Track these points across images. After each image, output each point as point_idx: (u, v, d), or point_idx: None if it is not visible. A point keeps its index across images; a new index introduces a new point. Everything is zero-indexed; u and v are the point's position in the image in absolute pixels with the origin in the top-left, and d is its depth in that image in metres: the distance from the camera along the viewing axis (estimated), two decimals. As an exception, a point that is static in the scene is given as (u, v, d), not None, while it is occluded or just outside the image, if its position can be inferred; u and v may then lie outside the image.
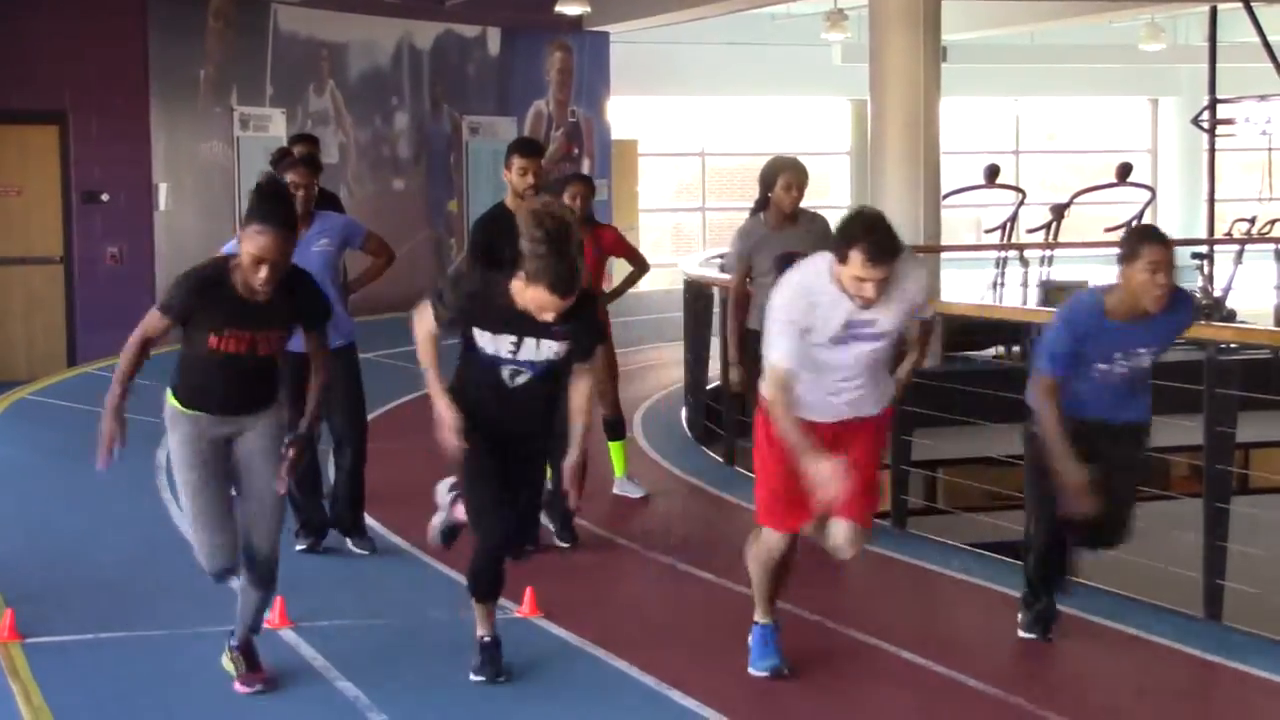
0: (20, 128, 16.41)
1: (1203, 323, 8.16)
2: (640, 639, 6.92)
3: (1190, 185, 27.16)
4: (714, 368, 11.87)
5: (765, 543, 6.23)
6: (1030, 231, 18.38)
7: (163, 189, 16.89)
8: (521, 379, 5.98)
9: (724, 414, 11.28)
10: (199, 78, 17.50)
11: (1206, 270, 17.55)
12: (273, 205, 5.71)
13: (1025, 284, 16.79)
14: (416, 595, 7.54)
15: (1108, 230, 18.71)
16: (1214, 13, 19.53)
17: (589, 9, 20.19)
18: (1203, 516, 7.33)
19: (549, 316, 5.78)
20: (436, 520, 6.56)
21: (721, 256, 14.44)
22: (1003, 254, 17.68)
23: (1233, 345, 9.68)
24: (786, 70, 25.46)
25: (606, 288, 8.94)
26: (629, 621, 7.22)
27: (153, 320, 5.88)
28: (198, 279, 5.82)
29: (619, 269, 9.36)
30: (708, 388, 12.04)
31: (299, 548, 8.09)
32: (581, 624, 6.96)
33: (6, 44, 16.11)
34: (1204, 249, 17.94)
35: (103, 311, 16.49)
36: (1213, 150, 19.59)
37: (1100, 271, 18.02)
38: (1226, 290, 17.23)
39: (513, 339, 5.90)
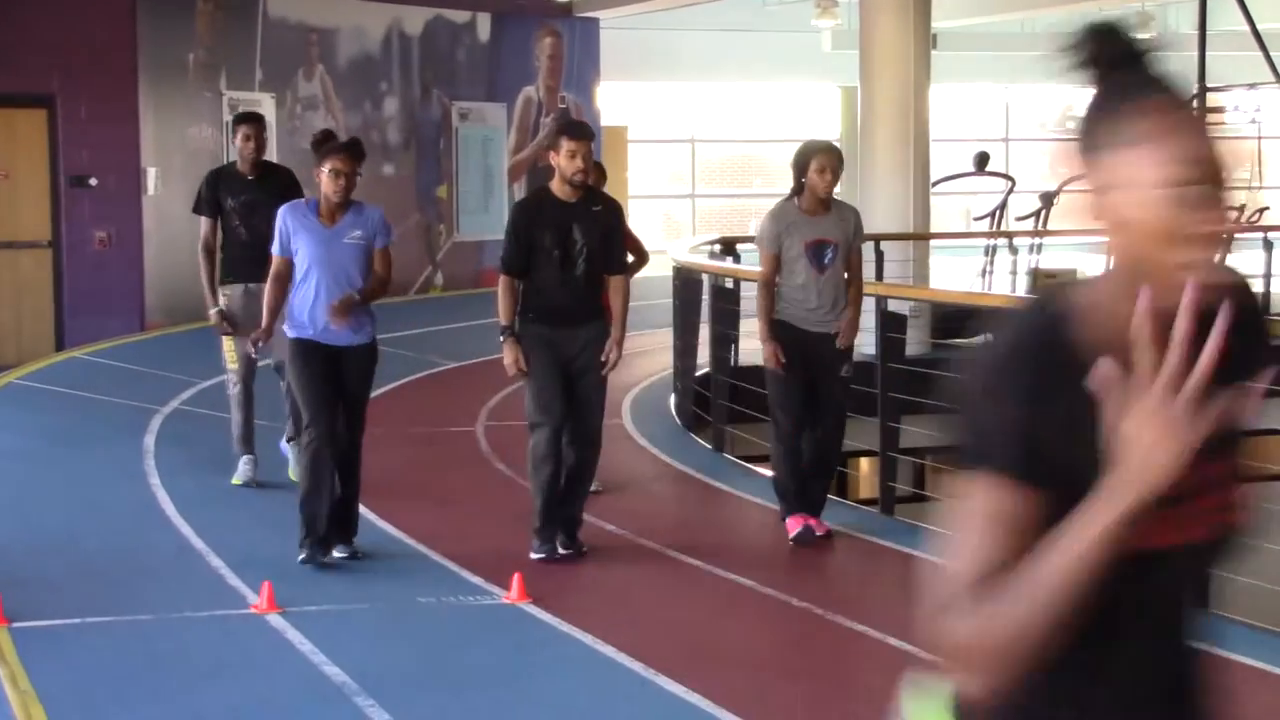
0: (8, 111, 16.37)
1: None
2: (628, 625, 6.92)
3: (1179, 173, 27.16)
4: (703, 354, 11.90)
5: None
6: (1020, 219, 18.38)
7: (151, 173, 16.86)
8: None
9: (713, 401, 11.29)
10: (188, 62, 17.47)
11: (1195, 258, 17.56)
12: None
13: (1014, 271, 16.80)
14: (403, 581, 7.54)
15: (1097, 218, 18.71)
16: (1203, 0, 19.53)
17: (579, -6, 20.19)
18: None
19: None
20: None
21: (711, 244, 14.47)
22: (992, 241, 17.70)
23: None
24: (776, 57, 25.46)
25: None
26: (617, 608, 7.23)
27: None
28: None
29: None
30: (697, 374, 12.05)
31: (300, 558, 7.65)
32: (570, 610, 6.96)
33: (-6, 27, 16.07)
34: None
35: (91, 296, 16.48)
36: (1202, 138, 19.59)
37: (1089, 259, 18.08)
38: (1215, 278, 17.24)
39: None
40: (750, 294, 11.23)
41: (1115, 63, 2.13)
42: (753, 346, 11.53)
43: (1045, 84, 28.20)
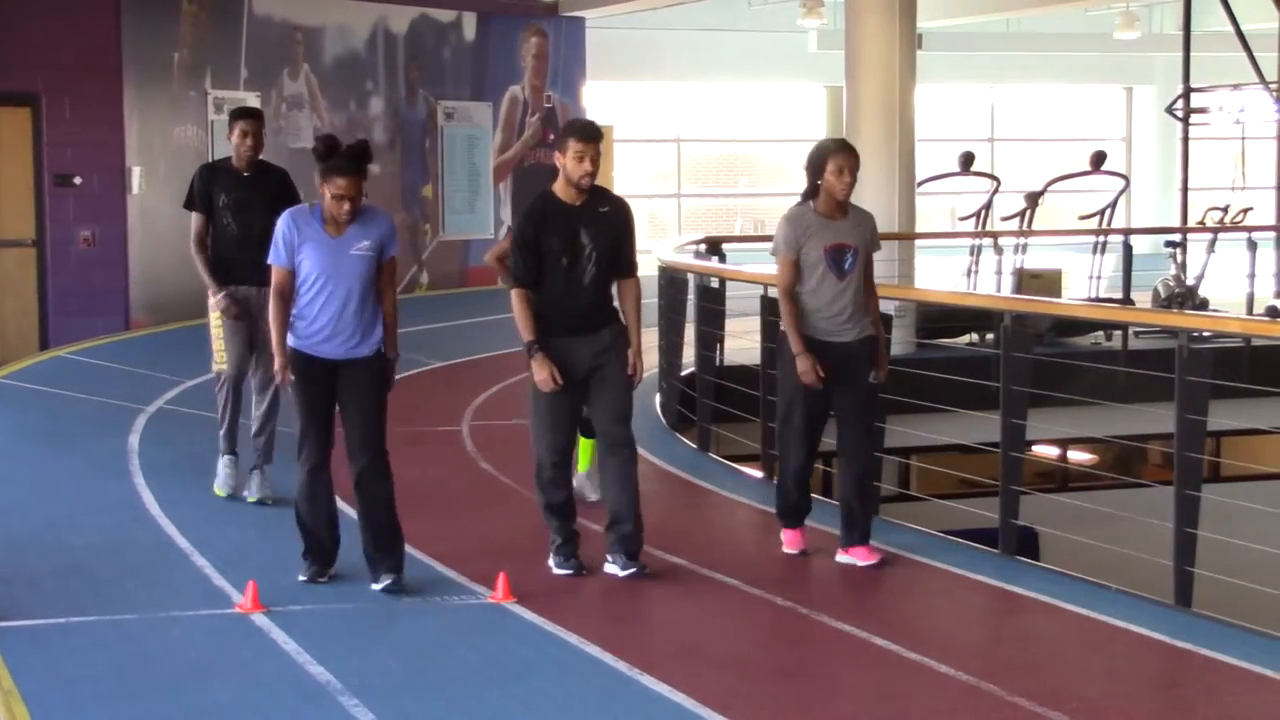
0: (-8, 110, 16.35)
1: (1176, 311, 8.19)
2: (613, 624, 6.93)
3: (1164, 174, 27.27)
4: (687, 354, 11.90)
5: None
6: (1005, 219, 18.39)
7: (136, 173, 16.83)
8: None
9: (698, 400, 11.29)
10: (173, 61, 17.44)
11: (1180, 258, 17.59)
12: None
13: (999, 271, 16.82)
14: (389, 580, 7.52)
15: (1082, 218, 18.76)
16: (1188, 1, 19.57)
17: (565, -6, 20.20)
18: (1174, 504, 7.35)
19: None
20: None
21: (696, 243, 14.46)
22: (977, 241, 17.72)
23: (1205, 333, 9.72)
24: (762, 57, 25.48)
25: None
26: (601, 607, 7.23)
27: None
28: None
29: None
30: (682, 374, 12.05)
31: (301, 578, 7.41)
32: (555, 610, 6.96)
33: (-21, 26, 16.03)
34: (1177, 237, 17.99)
35: (75, 295, 16.45)
36: (1186, 139, 19.62)
37: (1074, 259, 18.12)
38: (1199, 279, 17.28)
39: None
40: (736, 294, 11.27)
41: None
42: (737, 346, 11.58)
43: (1030, 84, 28.28)
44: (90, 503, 9.20)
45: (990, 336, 14.82)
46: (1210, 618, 7.04)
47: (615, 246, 7.49)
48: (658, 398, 12.38)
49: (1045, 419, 10.61)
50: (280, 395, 8.77)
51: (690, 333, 11.77)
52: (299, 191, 9.09)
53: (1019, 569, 7.91)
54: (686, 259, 12.65)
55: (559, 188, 7.41)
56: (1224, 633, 6.78)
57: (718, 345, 11.41)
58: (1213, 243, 17.62)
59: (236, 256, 8.94)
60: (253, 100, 18.07)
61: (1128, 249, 17.13)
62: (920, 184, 16.07)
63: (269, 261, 7.29)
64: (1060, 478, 15.21)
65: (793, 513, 8.08)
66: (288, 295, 7.22)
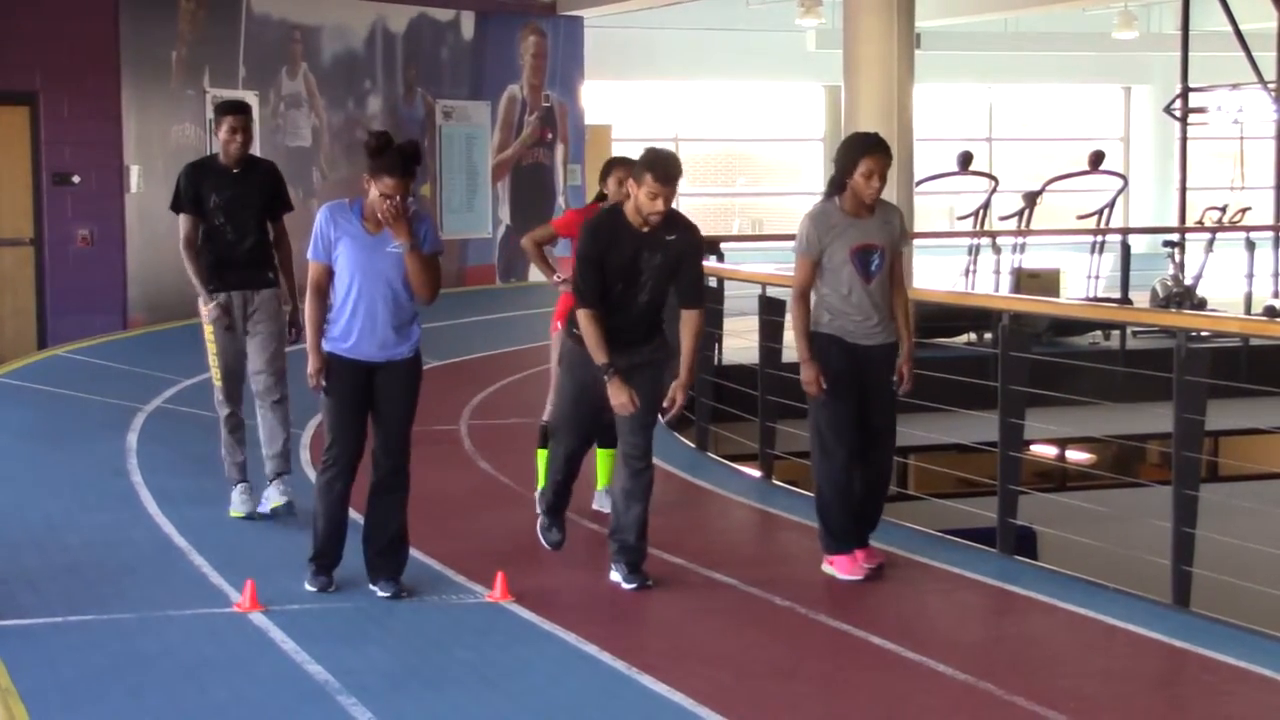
0: (-10, 108, 16.35)
1: (1174, 311, 8.19)
2: (610, 624, 6.93)
3: (1162, 173, 27.28)
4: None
5: None
6: (1003, 219, 18.39)
7: (134, 171, 16.83)
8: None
9: (696, 399, 11.28)
10: (171, 59, 17.43)
11: (1178, 258, 17.59)
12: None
13: (998, 271, 16.82)
14: (387, 579, 7.52)
15: (1080, 218, 18.77)
16: (1186, 1, 19.57)
17: (563, -7, 20.20)
18: (1172, 503, 7.35)
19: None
20: None
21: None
22: (975, 241, 17.72)
23: (1203, 333, 9.72)
24: (760, 56, 25.47)
25: None
26: (599, 606, 7.23)
27: None
28: None
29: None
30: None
31: (310, 588, 7.25)
32: (552, 608, 6.96)
33: (-23, 24, 16.03)
34: (1175, 237, 17.99)
35: (73, 294, 16.45)
36: (1184, 139, 19.63)
37: (1072, 258, 18.12)
38: (1197, 278, 17.28)
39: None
40: (734, 294, 11.28)
41: None
42: (735, 345, 11.58)
43: (1029, 83, 28.28)
44: (88, 502, 9.19)
45: (988, 336, 14.82)
46: (1208, 617, 7.05)
47: (677, 274, 7.23)
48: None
49: (1043, 419, 10.62)
50: (289, 404, 8.68)
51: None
52: (288, 186, 8.91)
53: (1017, 568, 7.92)
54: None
55: (629, 209, 7.15)
56: (1222, 632, 6.78)
57: (716, 345, 11.41)
58: (1211, 242, 17.62)
59: (232, 259, 8.50)
60: (251, 99, 18.06)
61: (1126, 249, 17.14)
62: (918, 183, 16.06)
63: (307, 257, 7.09)
64: (1058, 477, 15.21)
65: (835, 536, 7.58)
66: (325, 291, 7.05)
